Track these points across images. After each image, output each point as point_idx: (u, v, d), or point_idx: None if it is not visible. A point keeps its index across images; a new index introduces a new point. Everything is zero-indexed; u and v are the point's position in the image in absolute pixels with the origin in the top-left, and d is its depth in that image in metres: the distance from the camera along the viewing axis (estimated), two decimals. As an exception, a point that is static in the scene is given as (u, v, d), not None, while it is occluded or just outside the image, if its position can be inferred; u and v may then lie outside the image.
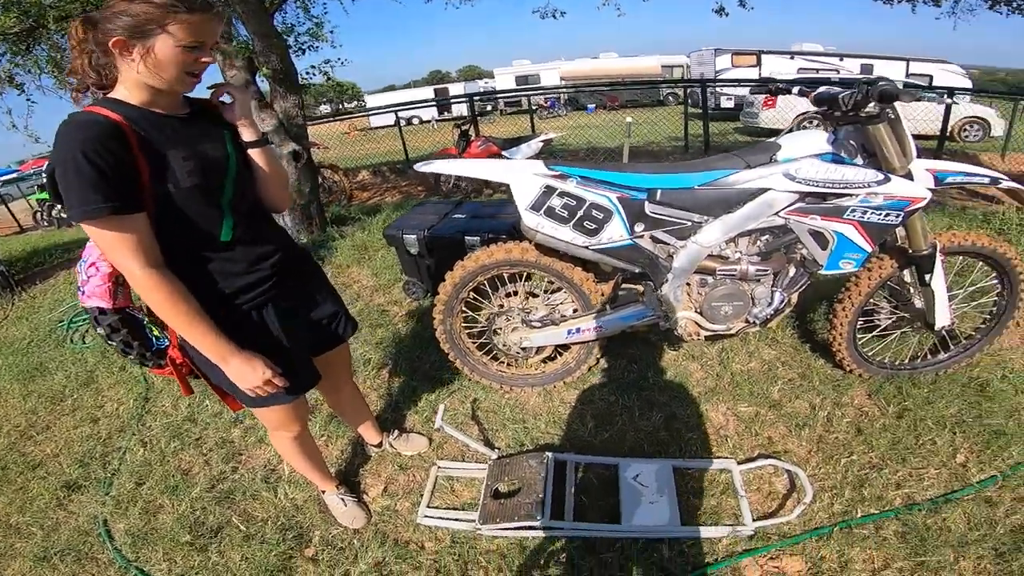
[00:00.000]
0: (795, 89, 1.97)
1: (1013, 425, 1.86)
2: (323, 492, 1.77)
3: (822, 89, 1.77)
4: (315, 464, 1.69)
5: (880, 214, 1.69)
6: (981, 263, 2.01)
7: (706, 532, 1.58)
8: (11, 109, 4.47)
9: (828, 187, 1.67)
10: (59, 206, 5.68)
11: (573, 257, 1.92)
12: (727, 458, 1.83)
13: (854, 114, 1.65)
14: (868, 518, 1.58)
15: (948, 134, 9.47)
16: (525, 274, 2.08)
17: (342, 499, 1.75)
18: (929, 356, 2.16)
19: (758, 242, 1.85)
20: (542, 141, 5.50)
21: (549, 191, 1.77)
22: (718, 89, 15.25)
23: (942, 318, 1.91)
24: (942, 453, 1.79)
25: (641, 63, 25.88)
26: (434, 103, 20.00)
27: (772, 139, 1.83)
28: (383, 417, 2.25)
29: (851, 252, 1.76)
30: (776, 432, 1.95)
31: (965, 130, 9.80)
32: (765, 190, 1.72)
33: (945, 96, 6.95)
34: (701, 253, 1.81)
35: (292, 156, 4.30)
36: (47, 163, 1.02)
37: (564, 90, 20.71)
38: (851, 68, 15.26)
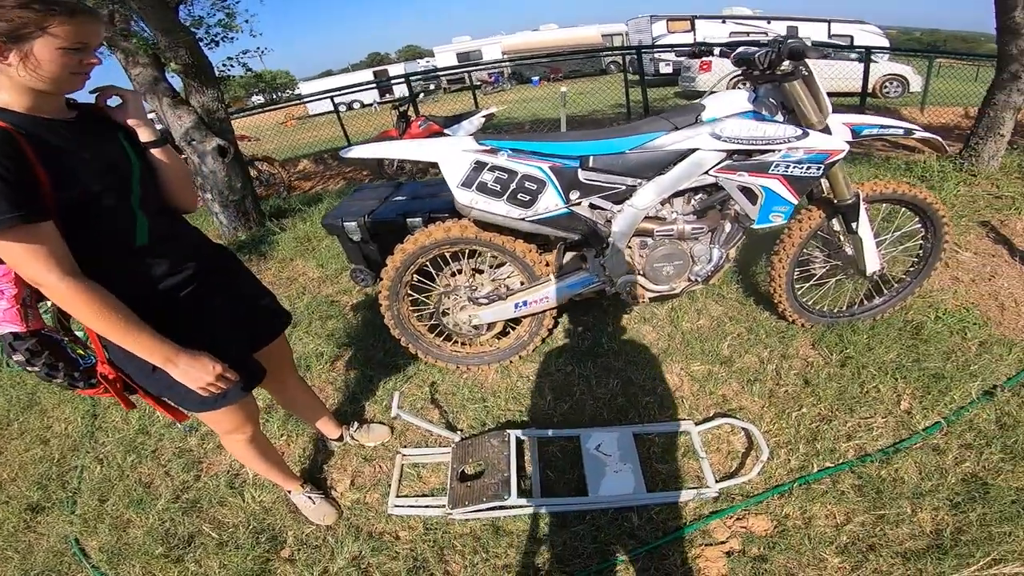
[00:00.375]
0: (716, 51, 1.99)
1: (951, 367, 1.96)
2: (289, 492, 1.74)
3: (740, 49, 1.79)
4: (275, 464, 1.65)
5: (802, 167, 1.74)
6: (904, 209, 2.11)
7: (672, 497, 1.61)
8: None
9: (752, 144, 1.70)
10: None
11: (513, 230, 1.89)
12: (685, 420, 1.88)
13: (770, 72, 1.68)
14: (824, 472, 1.63)
15: (871, 91, 9.98)
16: (469, 251, 2.04)
17: (309, 497, 1.72)
18: (865, 302, 2.27)
19: (692, 201, 1.88)
20: (483, 116, 5.41)
21: (480, 166, 1.73)
22: (656, 55, 15.40)
23: (872, 263, 2.01)
24: (887, 400, 1.87)
25: (581, 33, 25.79)
26: (373, 85, 19.27)
27: (697, 100, 1.85)
28: (342, 410, 2.20)
29: (779, 205, 1.80)
30: (729, 389, 2.01)
31: (886, 87, 10.28)
32: (693, 150, 1.74)
33: (852, 55, 7.21)
34: (638, 216, 1.82)
35: (218, 151, 4.06)
36: None
37: (506, 64, 20.41)
38: (778, 30, 15.70)
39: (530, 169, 1.75)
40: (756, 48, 1.70)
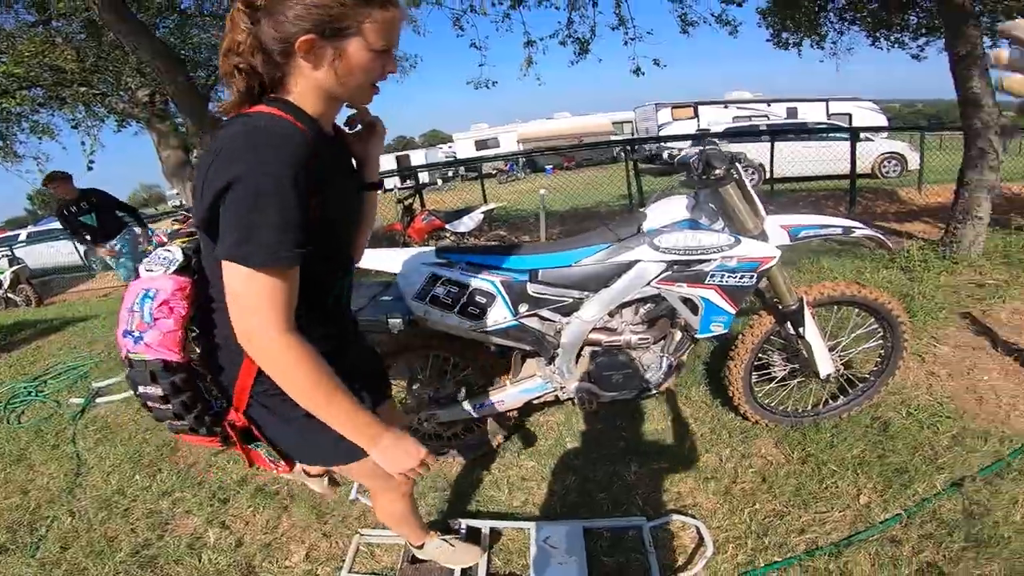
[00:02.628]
0: (665, 155, 2.13)
1: (918, 461, 1.92)
2: (421, 547, 1.70)
3: (682, 154, 1.92)
4: (415, 523, 1.60)
5: (736, 276, 1.79)
6: (857, 309, 2.13)
7: None
8: None
9: (688, 254, 1.77)
10: (5, 286, 5.49)
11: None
12: (637, 516, 1.86)
13: (705, 177, 1.76)
14: (769, 567, 1.60)
15: (871, 172, 10.20)
16: (433, 354, 2.13)
17: (445, 540, 1.69)
18: (830, 401, 2.24)
19: (640, 311, 1.94)
20: (483, 212, 5.71)
21: (434, 280, 1.85)
22: (663, 143, 16.21)
23: (824, 367, 2.00)
24: (845, 495, 1.83)
25: (593, 121, 27.38)
26: (394, 173, 20.57)
27: (641, 209, 1.96)
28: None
29: (718, 315, 1.85)
30: (685, 487, 1.99)
31: (884, 166, 10.47)
32: (636, 262, 1.82)
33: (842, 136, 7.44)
34: (585, 328, 1.89)
35: None
36: (215, 176, 0.77)
37: (521, 154, 21.50)
38: (779, 113, 16.44)
39: (481, 283, 1.85)
40: (695, 153, 1.82)
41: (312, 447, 1.12)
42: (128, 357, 0.95)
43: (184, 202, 4.36)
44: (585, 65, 6.42)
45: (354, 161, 1.08)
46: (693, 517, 1.82)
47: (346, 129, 1.06)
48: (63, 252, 11.53)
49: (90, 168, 5.60)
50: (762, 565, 1.62)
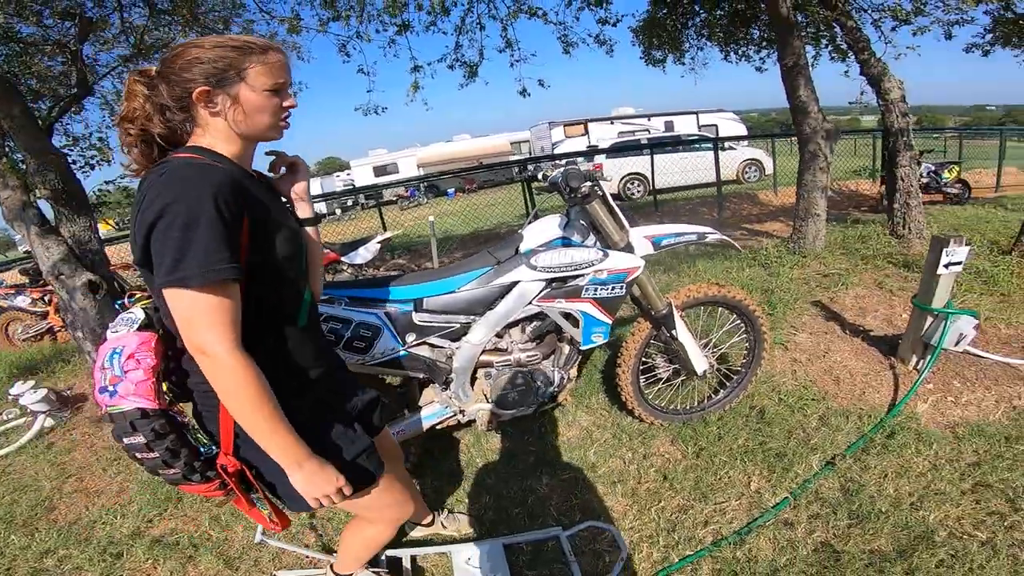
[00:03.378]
0: (540, 175, 2.21)
1: (793, 444, 2.12)
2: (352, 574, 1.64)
3: (553, 174, 2.01)
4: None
5: (608, 288, 1.91)
6: (721, 308, 2.36)
7: None
8: None
9: (563, 271, 1.86)
10: None
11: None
12: (553, 527, 1.89)
13: (573, 195, 1.86)
14: (683, 562, 1.68)
15: (735, 178, 11.37)
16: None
17: (375, 574, 1.64)
18: (712, 396, 2.44)
19: (527, 330, 2.00)
20: (379, 242, 5.56)
21: (315, 318, 1.78)
22: (551, 165, 16.83)
23: (699, 364, 2.18)
24: (738, 484, 1.97)
25: (492, 142, 27.86)
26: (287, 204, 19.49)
27: (518, 230, 2.03)
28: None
29: (596, 327, 1.96)
30: (595, 493, 2.05)
31: (746, 172, 11.75)
32: (516, 283, 1.88)
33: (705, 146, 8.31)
34: (476, 351, 1.91)
35: (88, 287, 3.78)
36: (143, 214, 0.85)
37: (421, 179, 21.32)
38: (657, 127, 17.87)
39: (365, 316, 1.80)
40: (559, 174, 1.91)
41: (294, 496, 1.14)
42: (108, 412, 1.00)
43: (31, 248, 3.80)
44: (480, 88, 6.55)
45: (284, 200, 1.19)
46: (606, 522, 1.87)
47: (270, 175, 1.18)
48: None
49: None
50: (676, 560, 1.69)
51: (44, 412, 3.24)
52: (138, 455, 1.02)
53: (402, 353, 1.85)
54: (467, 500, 2.11)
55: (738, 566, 1.63)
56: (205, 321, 0.86)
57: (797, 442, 2.13)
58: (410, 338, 1.85)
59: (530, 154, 23.29)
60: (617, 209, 1.96)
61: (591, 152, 12.00)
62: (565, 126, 19.94)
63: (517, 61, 6.32)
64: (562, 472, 2.18)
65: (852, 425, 2.21)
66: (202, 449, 1.08)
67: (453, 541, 1.90)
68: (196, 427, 1.11)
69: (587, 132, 19.31)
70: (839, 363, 2.71)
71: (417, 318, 1.85)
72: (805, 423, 2.26)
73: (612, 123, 19.11)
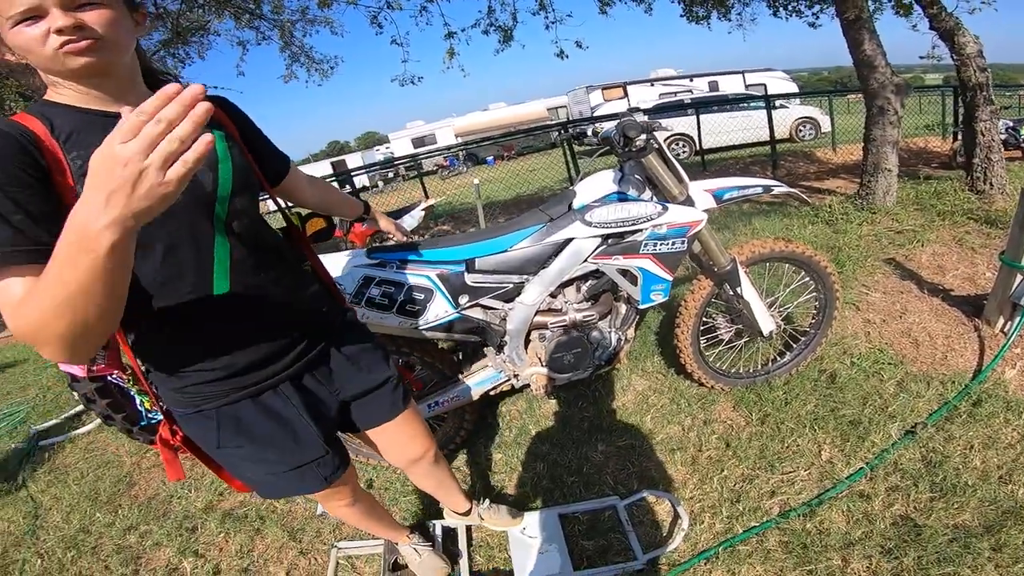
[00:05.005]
0: (589, 131, 2.10)
1: (869, 411, 1.98)
2: (396, 544, 1.68)
3: (605, 128, 1.90)
4: (379, 520, 1.55)
5: (668, 243, 1.81)
6: (788, 265, 2.21)
7: (599, 573, 1.59)
8: None
9: (620, 226, 1.76)
10: None
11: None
12: (610, 496, 1.85)
13: (627, 149, 1.75)
14: (748, 533, 1.60)
15: (788, 136, 10.74)
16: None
17: (415, 549, 1.65)
18: (778, 359, 2.31)
19: (582, 289, 1.93)
20: (422, 209, 5.57)
21: (367, 281, 1.76)
22: (596, 125, 16.36)
23: (765, 324, 2.06)
24: (807, 453, 1.86)
25: (528, 109, 27.38)
26: (333, 179, 19.90)
27: (570, 187, 1.94)
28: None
29: (656, 284, 1.86)
30: (652, 461, 1.99)
31: (800, 130, 11.07)
32: (570, 240, 1.80)
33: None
34: (529, 312, 1.85)
35: None
36: None
37: (460, 147, 21.30)
38: (701, 87, 17.04)
39: (417, 279, 1.78)
40: (613, 128, 1.80)
41: (240, 475, 1.10)
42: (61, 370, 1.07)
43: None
44: (515, 54, 6.39)
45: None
46: (665, 491, 1.82)
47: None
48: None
49: None
50: (740, 531, 1.62)
51: (124, 389, 3.43)
52: (88, 408, 1.09)
53: (455, 316, 1.82)
54: (520, 468, 2.09)
55: (808, 538, 1.54)
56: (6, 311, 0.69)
57: (873, 409, 1.99)
58: (463, 300, 1.82)
59: (568, 119, 22.75)
60: (675, 162, 1.84)
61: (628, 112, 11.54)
62: (603, 89, 19.29)
63: (552, 23, 6.08)
64: (618, 439, 2.13)
65: (934, 392, 2.05)
66: (144, 415, 1.09)
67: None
68: (144, 393, 1.02)
69: (626, 95, 18.63)
70: (917, 324, 2.51)
71: (469, 279, 1.81)
72: (881, 389, 2.11)
73: (652, 85, 18.38)
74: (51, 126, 0.78)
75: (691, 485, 1.85)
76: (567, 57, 6.26)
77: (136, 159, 0.52)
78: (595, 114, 17.87)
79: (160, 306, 0.87)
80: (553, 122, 23.34)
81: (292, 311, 1.04)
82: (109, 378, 1.09)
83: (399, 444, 1.36)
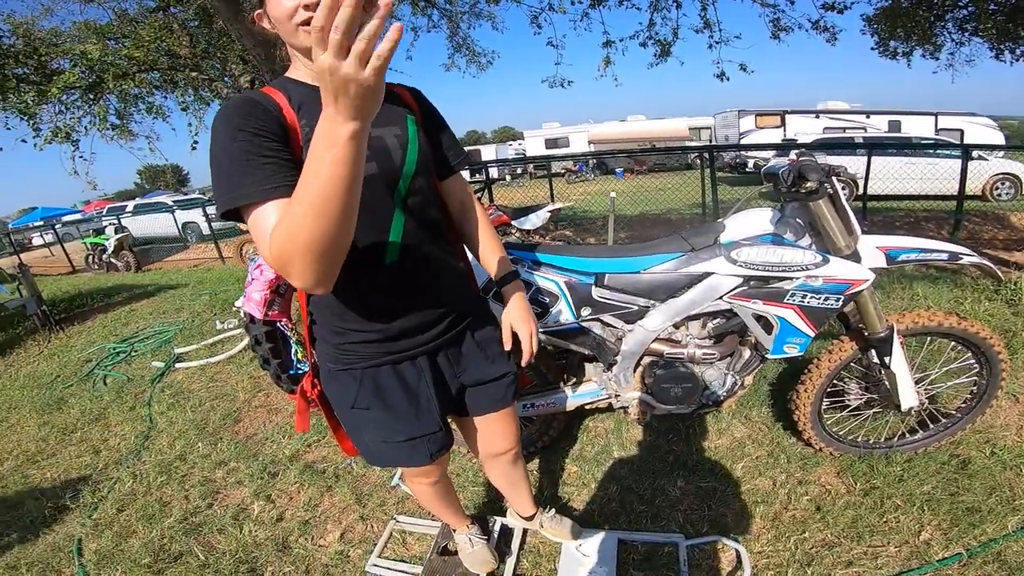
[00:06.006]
0: (751, 164, 2.02)
1: (993, 501, 1.75)
2: (454, 531, 1.73)
3: (770, 164, 1.81)
4: (450, 505, 1.61)
5: (820, 298, 1.67)
6: (953, 342, 1.94)
7: None
8: (73, 156, 5.05)
9: (767, 270, 1.67)
10: (109, 251, 6.31)
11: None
12: (676, 533, 1.80)
13: (795, 190, 1.65)
14: None
15: (980, 193, 9.20)
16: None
17: (469, 539, 1.69)
18: (907, 435, 2.06)
19: (708, 326, 1.86)
20: (549, 211, 5.66)
21: (499, 276, 1.86)
22: (743, 152, 15.30)
23: (908, 399, 1.84)
24: (905, 531, 1.70)
25: (668, 125, 26.37)
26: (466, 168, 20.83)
27: (719, 220, 1.87)
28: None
29: (794, 337, 1.73)
30: (731, 508, 1.90)
31: (996, 188, 9.40)
32: (709, 274, 1.75)
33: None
34: (648, 337, 1.83)
35: None
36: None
37: (590, 155, 21.19)
38: (878, 125, 15.18)
39: (546, 283, 1.84)
40: (784, 163, 1.71)
41: (357, 440, 1.21)
42: (238, 308, 1.21)
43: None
44: (663, 67, 6.24)
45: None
46: (735, 540, 1.72)
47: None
48: (164, 224, 12.68)
49: (194, 148, 6.11)
50: None
51: (255, 325, 3.85)
52: (253, 351, 1.20)
53: (574, 326, 1.86)
54: (592, 485, 2.07)
55: None
56: (256, 236, 0.83)
57: (998, 500, 1.75)
58: (585, 312, 1.85)
59: (711, 142, 21.59)
60: (849, 210, 1.69)
61: (786, 146, 10.67)
62: (757, 116, 18.00)
63: (717, 43, 5.82)
64: (700, 480, 2.04)
65: None
66: (294, 364, 1.20)
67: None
68: (301, 344, 1.16)
69: (783, 124, 17.22)
70: (1084, 426, 2.09)
71: (596, 293, 1.83)
72: (1016, 483, 1.82)
73: (817, 117, 16.77)
74: (288, 98, 0.92)
75: (764, 540, 1.73)
76: (728, 79, 5.96)
77: (335, 66, 0.59)
78: (743, 141, 16.78)
79: None
80: (695, 143, 22.34)
81: (443, 288, 1.13)
82: (278, 324, 1.21)
83: (489, 436, 1.42)
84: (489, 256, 1.27)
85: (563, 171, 20.31)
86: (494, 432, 1.40)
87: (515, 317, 1.23)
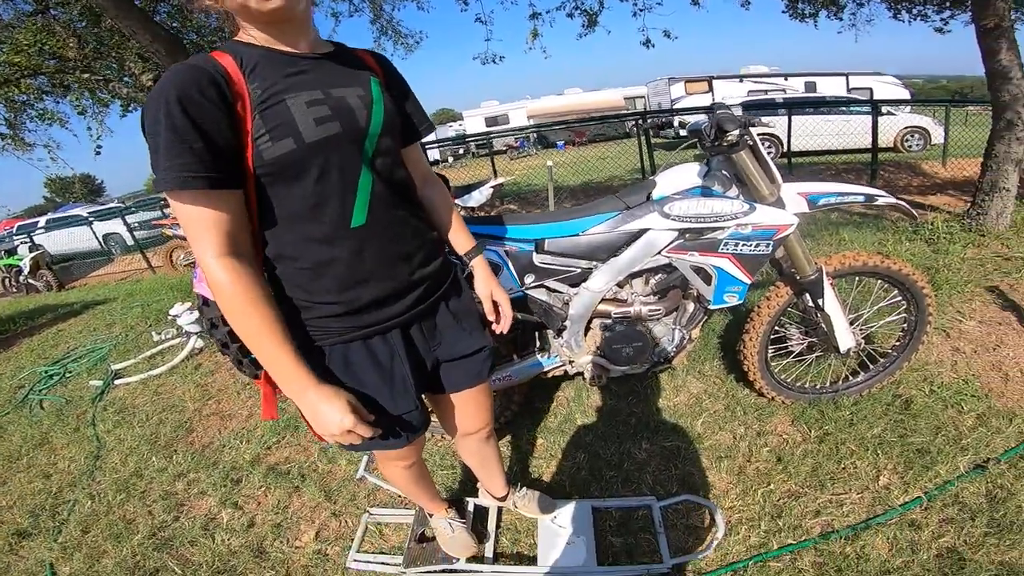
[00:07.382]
0: (676, 122, 2.03)
1: (940, 441, 1.85)
2: (430, 516, 1.69)
3: (693, 121, 1.82)
4: (424, 489, 1.56)
5: (751, 244, 1.71)
6: (880, 281, 2.04)
7: (622, 572, 1.57)
8: None
9: (699, 222, 1.69)
10: (25, 271, 5.75)
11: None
12: (647, 496, 1.82)
13: (718, 144, 1.69)
14: (783, 550, 1.55)
15: (892, 146, 9.88)
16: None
17: (450, 524, 1.66)
18: (850, 377, 2.16)
19: (651, 282, 1.87)
20: (492, 187, 5.59)
21: (437, 250, 1.79)
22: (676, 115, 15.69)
23: (844, 341, 1.93)
24: (864, 476, 1.77)
25: (605, 96, 26.66)
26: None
27: (650, 177, 1.88)
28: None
29: (732, 285, 1.77)
30: (697, 466, 1.94)
31: (907, 140, 10.13)
32: (645, 230, 1.75)
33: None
34: (594, 299, 1.83)
35: None
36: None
37: (531, 129, 21.17)
38: (796, 87, 15.93)
39: (487, 254, 1.78)
40: (705, 120, 1.73)
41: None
42: (195, 291, 1.14)
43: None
44: (595, 40, 6.24)
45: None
46: (705, 498, 1.77)
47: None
48: (82, 238, 11.67)
49: (98, 153, 5.60)
50: (775, 548, 1.57)
51: (196, 333, 3.55)
52: (211, 336, 1.14)
53: (519, 294, 1.82)
54: (560, 456, 2.08)
55: (844, 562, 1.48)
56: (191, 232, 0.84)
57: (945, 440, 1.86)
58: (528, 279, 1.82)
59: (646, 109, 22.01)
60: (769, 160, 1.73)
61: (713, 108, 10.98)
62: (687, 82, 18.44)
63: (641, 11, 5.87)
64: (664, 439, 2.08)
65: (1015, 429, 1.87)
66: None
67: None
68: None
69: (711, 90, 17.76)
70: (1011, 359, 2.28)
71: (537, 259, 1.80)
72: (959, 420, 1.95)
73: (741, 81, 17.39)
74: (240, 61, 0.88)
75: (733, 495, 1.79)
76: (653, 46, 6.04)
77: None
78: (675, 106, 17.19)
79: (304, 230, 0.93)
80: (630, 111, 22.68)
81: (413, 254, 1.08)
82: None
83: (463, 414, 1.37)
84: (455, 230, 1.27)
85: (505, 148, 20.17)
86: (470, 409, 1.36)
87: (494, 286, 1.29)
